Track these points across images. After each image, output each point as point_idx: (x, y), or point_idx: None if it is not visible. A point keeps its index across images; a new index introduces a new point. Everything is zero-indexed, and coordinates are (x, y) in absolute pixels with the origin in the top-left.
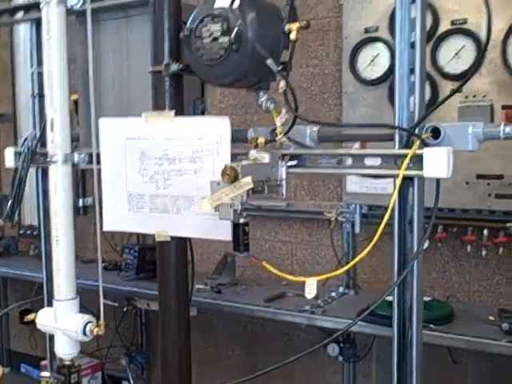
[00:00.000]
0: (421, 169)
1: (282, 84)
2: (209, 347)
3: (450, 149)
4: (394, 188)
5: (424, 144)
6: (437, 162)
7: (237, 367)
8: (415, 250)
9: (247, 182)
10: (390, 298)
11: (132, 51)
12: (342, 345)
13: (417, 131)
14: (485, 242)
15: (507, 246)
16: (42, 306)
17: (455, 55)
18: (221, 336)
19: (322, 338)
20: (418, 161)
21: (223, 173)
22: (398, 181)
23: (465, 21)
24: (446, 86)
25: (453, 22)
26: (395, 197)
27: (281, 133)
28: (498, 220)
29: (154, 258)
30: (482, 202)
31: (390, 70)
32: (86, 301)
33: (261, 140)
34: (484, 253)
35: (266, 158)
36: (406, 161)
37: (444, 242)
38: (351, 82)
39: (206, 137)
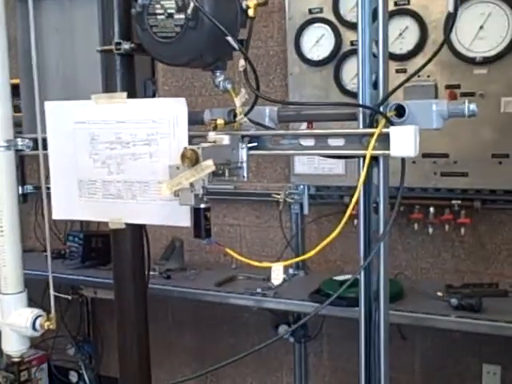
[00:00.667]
0: (387, 148)
1: (243, 62)
2: (159, 333)
3: (417, 127)
4: (361, 168)
5: (389, 123)
6: (403, 141)
7: (188, 353)
8: (381, 231)
9: (209, 165)
10: (339, 278)
11: (77, 30)
12: (292, 326)
13: (381, 109)
14: (431, 220)
15: (453, 223)
16: None
17: (399, 36)
18: (171, 322)
19: (272, 320)
20: (383, 140)
21: (183, 156)
22: (366, 161)
23: (408, 1)
24: (391, 67)
25: (396, 3)
26: (363, 178)
27: (241, 113)
28: (444, 198)
29: (100, 245)
30: (428, 181)
31: (336, 51)
32: (31, 292)
33: (220, 121)
34: (431, 230)
35: (225, 139)
36: (373, 140)
37: None
38: (297, 64)
39: (161, 119)
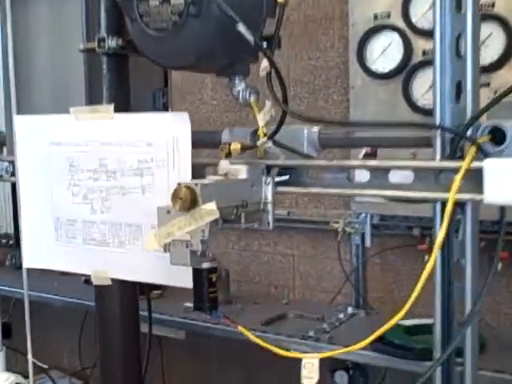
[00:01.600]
0: (478, 190)
1: (265, 64)
2: (201, 375)
3: None
4: (442, 217)
5: (481, 153)
6: (504, 181)
7: None
8: (468, 304)
9: (210, 209)
10: (405, 323)
11: (68, 29)
12: (351, 372)
13: (469, 133)
14: None
15: None
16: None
17: (481, 44)
18: (214, 362)
19: (328, 364)
20: (472, 177)
21: (174, 196)
22: (448, 208)
23: (492, 4)
24: None
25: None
26: (443, 233)
27: (265, 135)
28: None
29: None
30: None
31: (405, 62)
32: None
33: (235, 146)
34: None
35: (242, 171)
36: (458, 178)
37: None
38: (360, 76)
39: (157, 141)
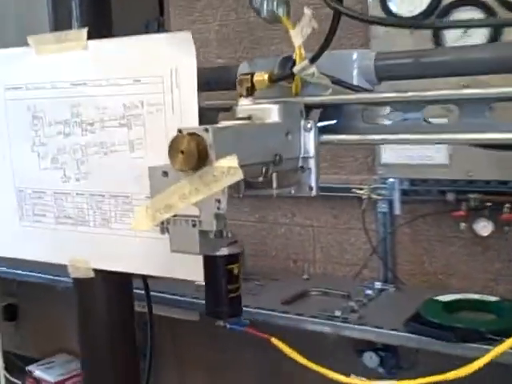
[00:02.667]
0: None
1: None
2: (216, 355)
3: None
4: None
5: None
6: None
7: (251, 379)
8: None
9: (229, 167)
10: (443, 298)
11: None
12: (381, 353)
13: None
14: None
15: None
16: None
17: None
18: (229, 342)
19: (355, 343)
20: None
21: (173, 149)
22: None
23: None
24: None
25: None
26: None
27: (303, 59)
28: None
29: None
30: None
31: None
32: None
33: (260, 76)
34: None
35: (272, 112)
36: None
37: None
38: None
39: (148, 76)
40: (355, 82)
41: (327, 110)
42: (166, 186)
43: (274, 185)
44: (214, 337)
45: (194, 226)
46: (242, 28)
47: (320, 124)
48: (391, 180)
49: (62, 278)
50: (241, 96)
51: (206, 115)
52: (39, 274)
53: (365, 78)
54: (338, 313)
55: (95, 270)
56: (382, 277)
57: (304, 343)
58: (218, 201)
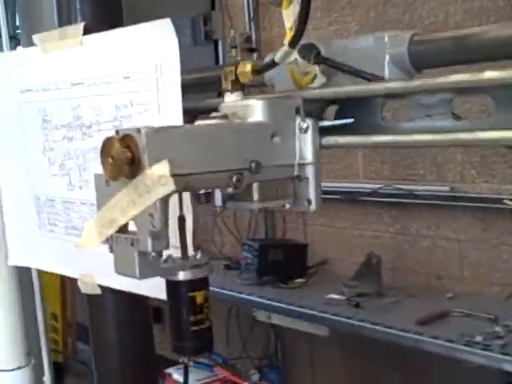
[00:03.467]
0: None
1: None
2: (350, 375)
3: None
4: None
5: None
6: None
7: None
8: None
9: (160, 175)
10: None
11: None
12: None
13: None
14: None
15: None
16: None
17: None
18: (362, 363)
19: (500, 375)
20: None
21: (103, 153)
22: None
23: None
24: None
25: None
26: None
27: (294, 37)
28: None
29: (279, 257)
30: None
31: None
32: None
33: (243, 67)
34: None
35: (255, 109)
36: None
37: None
38: None
39: (135, 72)
40: (387, 74)
41: (343, 106)
42: (109, 198)
43: (255, 197)
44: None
45: (132, 245)
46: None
47: (327, 123)
48: None
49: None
50: (226, 91)
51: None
52: None
53: (398, 67)
54: (478, 338)
55: (101, 287)
56: None
57: (438, 369)
58: (151, 215)
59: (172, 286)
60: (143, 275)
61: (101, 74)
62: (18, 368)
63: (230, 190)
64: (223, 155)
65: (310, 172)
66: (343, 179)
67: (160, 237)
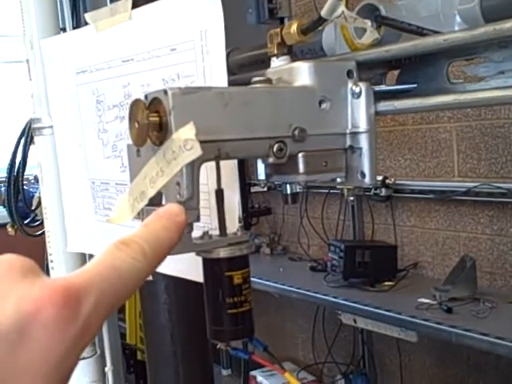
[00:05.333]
0: None
1: None
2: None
3: None
4: None
5: None
6: None
7: None
8: None
9: (185, 139)
10: None
11: None
12: None
13: None
14: None
15: None
16: None
17: None
18: (453, 371)
19: None
20: None
21: (130, 118)
22: None
23: None
24: None
25: None
26: None
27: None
28: None
29: (367, 260)
30: None
31: None
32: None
33: (289, 27)
34: None
35: (301, 72)
36: None
37: None
38: None
39: (181, 43)
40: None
41: (404, 71)
42: (140, 168)
43: (301, 169)
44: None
45: None
46: None
47: (396, 88)
48: None
49: (281, 286)
50: (272, 56)
51: None
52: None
53: (465, 21)
54: None
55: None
56: None
57: None
58: (178, 184)
59: (207, 265)
60: (174, 251)
61: (149, 47)
62: (83, 358)
63: (271, 159)
64: (262, 121)
65: (363, 141)
66: (437, 178)
67: (189, 207)
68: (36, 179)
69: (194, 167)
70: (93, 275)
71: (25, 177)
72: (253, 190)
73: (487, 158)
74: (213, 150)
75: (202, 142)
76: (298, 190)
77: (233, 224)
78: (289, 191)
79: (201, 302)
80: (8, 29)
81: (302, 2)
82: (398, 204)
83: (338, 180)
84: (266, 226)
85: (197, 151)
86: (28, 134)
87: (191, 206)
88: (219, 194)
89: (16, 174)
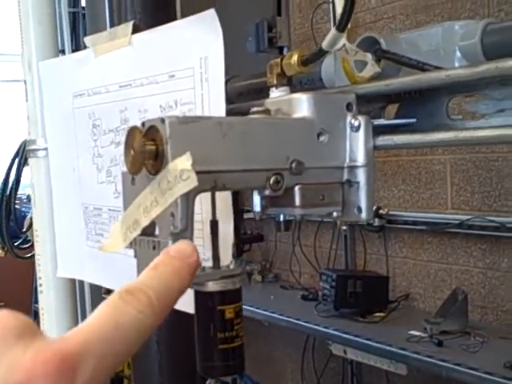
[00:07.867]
0: None
1: None
2: None
3: None
4: None
5: None
6: None
7: None
8: None
9: (181, 169)
10: None
11: None
12: None
13: None
14: None
15: None
16: None
17: None
18: None
19: None
20: None
21: (126, 145)
22: None
23: None
24: None
25: None
26: None
27: (341, 18)
28: None
29: (358, 290)
30: None
31: None
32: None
33: (289, 58)
34: None
35: (301, 104)
36: None
37: None
38: None
39: (180, 70)
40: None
41: (403, 105)
42: (134, 197)
43: (297, 202)
44: None
45: (154, 248)
46: None
47: (382, 122)
48: None
49: (273, 315)
50: (271, 86)
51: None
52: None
53: (469, 62)
54: None
55: None
56: None
57: None
58: (173, 215)
59: (199, 298)
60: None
61: (148, 73)
62: None
63: (268, 192)
64: (260, 152)
65: (361, 176)
66: (430, 209)
67: (182, 239)
68: (29, 199)
69: (188, 198)
70: (92, 337)
71: (17, 196)
72: (246, 216)
73: (481, 191)
74: (209, 180)
75: (198, 173)
76: (290, 218)
77: (226, 256)
78: (282, 218)
79: (191, 332)
80: (6, 47)
81: (300, 30)
82: (390, 235)
83: (335, 214)
84: (258, 253)
85: (193, 182)
86: (22, 155)
87: (185, 237)
88: (214, 225)
89: (9, 194)
